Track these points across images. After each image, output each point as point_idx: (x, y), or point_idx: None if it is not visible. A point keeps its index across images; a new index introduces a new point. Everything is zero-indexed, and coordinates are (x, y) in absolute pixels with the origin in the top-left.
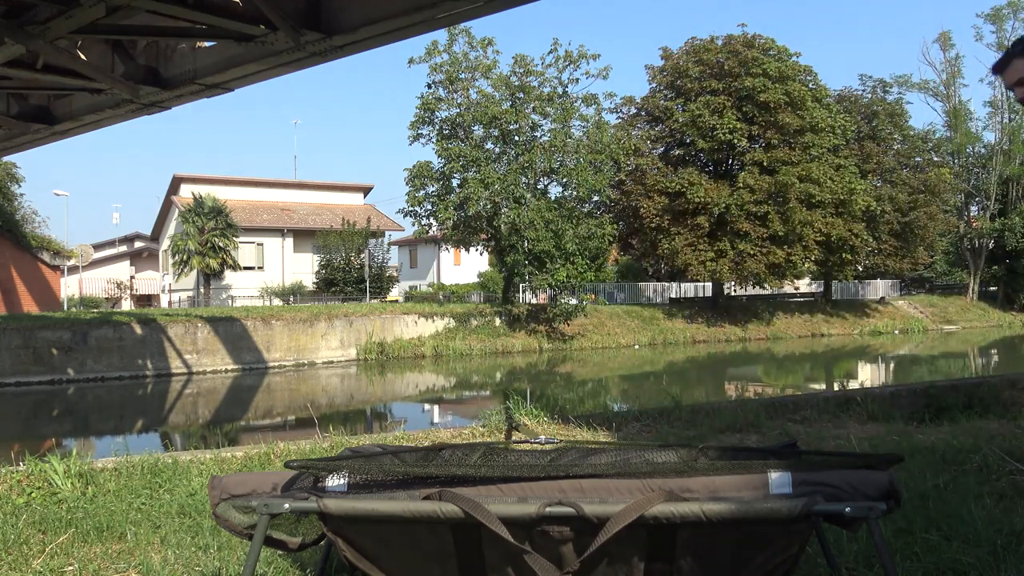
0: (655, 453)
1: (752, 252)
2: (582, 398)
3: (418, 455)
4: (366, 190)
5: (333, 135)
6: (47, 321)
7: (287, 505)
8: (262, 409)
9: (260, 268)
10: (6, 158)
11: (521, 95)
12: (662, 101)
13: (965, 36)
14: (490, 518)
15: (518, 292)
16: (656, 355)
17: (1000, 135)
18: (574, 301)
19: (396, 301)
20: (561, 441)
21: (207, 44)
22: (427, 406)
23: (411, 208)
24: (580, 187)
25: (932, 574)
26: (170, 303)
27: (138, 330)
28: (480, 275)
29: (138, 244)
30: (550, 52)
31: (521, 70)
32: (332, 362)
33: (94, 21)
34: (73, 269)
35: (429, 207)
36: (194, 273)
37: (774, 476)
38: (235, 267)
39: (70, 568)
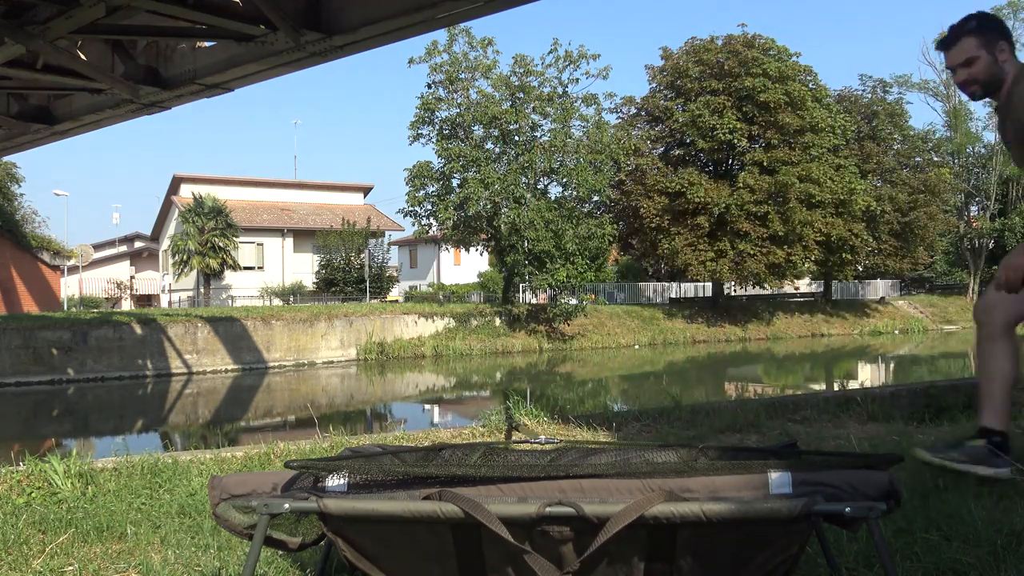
0: (655, 453)
1: (752, 252)
2: (582, 398)
3: (418, 455)
4: (366, 190)
5: (333, 135)
6: (47, 321)
7: (287, 505)
8: (262, 409)
9: (260, 268)
10: (6, 158)
11: (521, 95)
12: (662, 101)
13: None
14: (490, 518)
15: (518, 292)
16: (656, 355)
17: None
18: (574, 301)
19: (396, 301)
20: (561, 441)
21: (207, 44)
22: (427, 406)
23: (411, 208)
24: (580, 187)
25: (932, 574)
26: (170, 303)
27: (138, 330)
28: (480, 275)
29: (138, 244)
30: (550, 52)
31: (521, 70)
32: (332, 362)
33: (94, 21)
34: (73, 269)
35: (429, 207)
36: (194, 273)
37: (774, 476)
38: (235, 267)
39: (70, 568)
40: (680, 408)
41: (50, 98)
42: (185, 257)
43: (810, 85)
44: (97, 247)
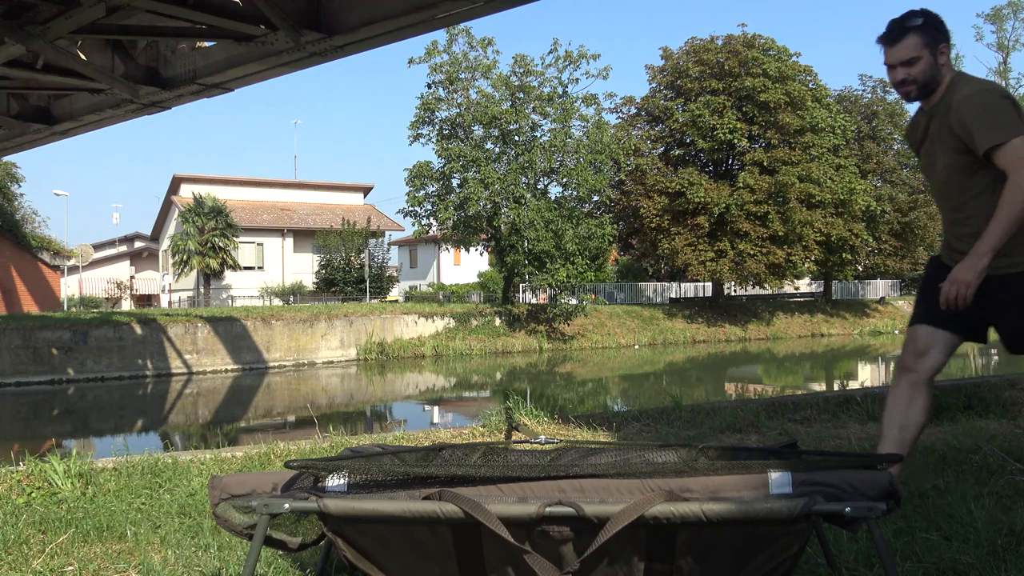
0: (655, 453)
1: (752, 252)
2: (582, 398)
3: (418, 455)
4: (366, 190)
5: (333, 135)
6: (47, 321)
7: (287, 505)
8: (262, 409)
9: (260, 268)
10: (6, 158)
11: (521, 95)
12: (662, 101)
13: (965, 36)
14: (490, 518)
15: (518, 292)
16: (656, 355)
17: None
18: (574, 301)
19: (396, 301)
20: (561, 441)
21: (207, 44)
22: (427, 406)
23: (411, 208)
24: (580, 187)
25: (932, 574)
26: (170, 303)
27: (138, 330)
28: (480, 275)
29: (138, 244)
30: (550, 52)
31: (521, 70)
32: (332, 362)
33: (94, 21)
34: (73, 269)
35: (429, 207)
36: (194, 273)
37: (774, 476)
38: (235, 267)
39: (70, 568)
40: (680, 408)
41: (50, 98)
42: (185, 257)
43: (810, 85)
44: (97, 247)
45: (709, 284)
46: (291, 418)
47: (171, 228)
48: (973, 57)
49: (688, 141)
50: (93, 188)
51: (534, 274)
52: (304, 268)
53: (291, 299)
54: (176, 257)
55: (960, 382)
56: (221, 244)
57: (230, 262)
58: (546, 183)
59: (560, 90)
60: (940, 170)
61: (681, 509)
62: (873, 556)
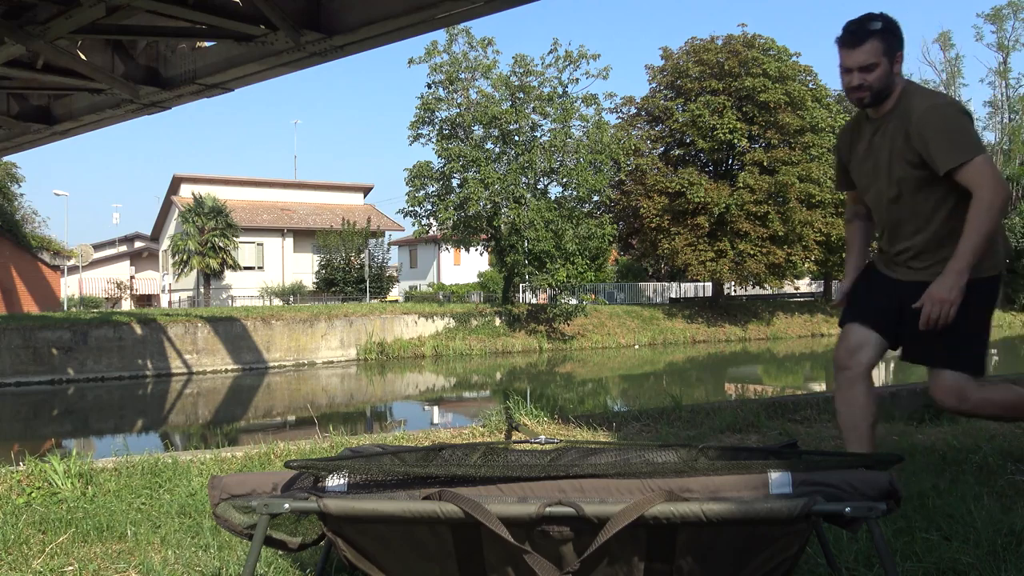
0: (655, 453)
1: (752, 252)
2: (582, 398)
3: (418, 455)
4: (366, 190)
5: (333, 135)
6: (47, 321)
7: (287, 505)
8: (262, 409)
9: (260, 268)
10: (6, 158)
11: (521, 95)
12: (662, 101)
13: (965, 36)
14: (490, 518)
15: (518, 292)
16: (656, 355)
17: (1000, 135)
18: (574, 301)
19: (396, 301)
20: (561, 441)
21: (207, 44)
22: (427, 406)
23: (411, 208)
24: (580, 187)
25: (932, 574)
26: (170, 303)
27: (138, 330)
28: (480, 275)
29: (138, 244)
30: (550, 52)
31: (521, 70)
32: (332, 362)
33: (94, 21)
34: (73, 269)
35: (429, 207)
36: (194, 273)
37: (774, 476)
38: (235, 267)
39: (70, 568)
40: (680, 408)
41: (50, 98)
42: (185, 257)
43: (810, 85)
44: (97, 247)
45: (709, 284)
46: (291, 418)
47: (171, 228)
48: (973, 57)
49: (688, 141)
50: (93, 188)
51: (534, 274)
52: (304, 268)
53: (291, 299)
54: (176, 257)
55: None
56: (221, 244)
57: (230, 262)
58: (546, 183)
59: (560, 90)
60: (890, 182)
61: (681, 509)
62: (873, 556)
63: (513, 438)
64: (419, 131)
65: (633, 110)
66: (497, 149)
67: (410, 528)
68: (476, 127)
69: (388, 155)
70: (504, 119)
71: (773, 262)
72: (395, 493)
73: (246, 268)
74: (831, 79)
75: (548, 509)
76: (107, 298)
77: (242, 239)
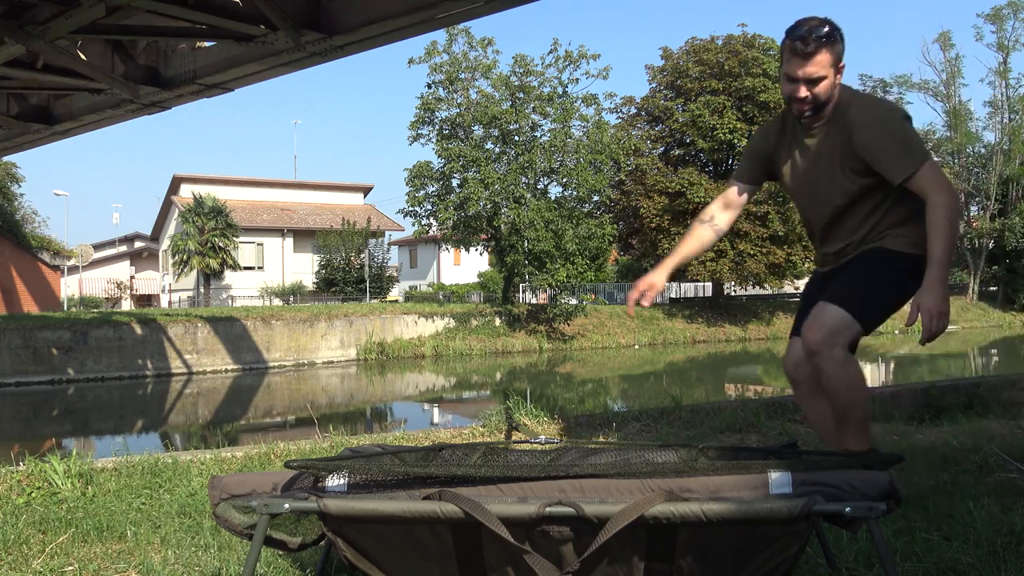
0: (655, 453)
1: (752, 252)
2: (582, 398)
3: (418, 455)
4: (366, 190)
5: (333, 135)
6: (47, 321)
7: (287, 505)
8: (262, 409)
9: (260, 268)
10: (6, 158)
11: (521, 95)
12: (662, 101)
13: (965, 36)
14: (490, 518)
15: (518, 292)
16: (656, 355)
17: (1000, 135)
18: (574, 301)
19: (396, 301)
20: (561, 441)
21: (207, 44)
22: (427, 406)
23: (411, 208)
24: (580, 187)
25: (932, 574)
26: (170, 303)
27: (138, 330)
28: (480, 275)
29: (138, 244)
30: (550, 52)
31: (521, 70)
32: (332, 362)
33: (94, 21)
34: (73, 269)
35: (429, 207)
36: (194, 273)
37: (774, 476)
38: (235, 267)
39: (70, 568)
40: (680, 408)
41: (50, 98)
42: (185, 257)
43: None
44: (97, 247)
45: (709, 284)
46: (291, 418)
47: (171, 228)
48: (973, 57)
49: (688, 141)
50: (93, 188)
51: (534, 274)
52: (304, 268)
53: (291, 299)
54: (176, 257)
55: (960, 382)
56: (221, 244)
57: (230, 262)
58: (546, 183)
59: (560, 90)
60: (831, 188)
61: (681, 509)
62: (873, 556)
63: (513, 438)
64: (419, 131)
65: (633, 110)
66: (497, 149)
67: (410, 528)
68: (476, 127)
69: (388, 155)
70: (504, 119)
71: (773, 262)
72: (395, 493)
73: (246, 268)
74: None
75: (548, 509)
76: (107, 298)
77: (242, 239)
